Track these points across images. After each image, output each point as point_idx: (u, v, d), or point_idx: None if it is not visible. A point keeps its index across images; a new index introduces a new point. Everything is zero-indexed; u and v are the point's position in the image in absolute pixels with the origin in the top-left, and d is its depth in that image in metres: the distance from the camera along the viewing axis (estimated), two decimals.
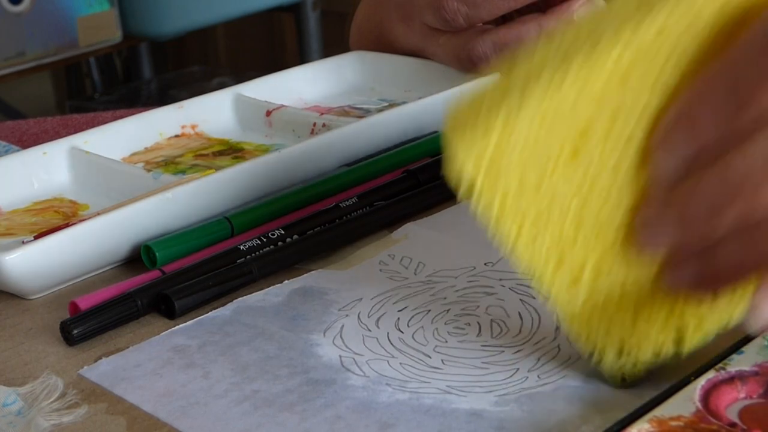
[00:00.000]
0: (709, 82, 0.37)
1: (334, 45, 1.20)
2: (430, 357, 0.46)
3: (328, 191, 0.60)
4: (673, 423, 0.38)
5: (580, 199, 0.39)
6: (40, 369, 0.47)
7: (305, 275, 0.53)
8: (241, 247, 0.54)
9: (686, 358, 0.42)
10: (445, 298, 0.50)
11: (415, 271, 0.53)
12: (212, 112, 0.72)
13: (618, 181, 0.39)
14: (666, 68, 0.38)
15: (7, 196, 0.62)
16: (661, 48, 0.37)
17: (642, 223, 0.39)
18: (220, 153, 0.68)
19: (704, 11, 0.37)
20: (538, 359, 0.45)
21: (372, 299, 0.50)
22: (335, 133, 0.63)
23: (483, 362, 0.45)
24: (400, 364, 0.45)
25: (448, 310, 0.49)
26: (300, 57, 2.37)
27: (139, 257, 0.55)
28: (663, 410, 0.39)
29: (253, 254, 0.54)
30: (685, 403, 0.39)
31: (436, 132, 0.66)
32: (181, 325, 0.49)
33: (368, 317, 0.49)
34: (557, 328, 0.46)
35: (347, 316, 0.49)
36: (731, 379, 0.40)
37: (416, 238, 0.56)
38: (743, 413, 0.39)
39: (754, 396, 0.40)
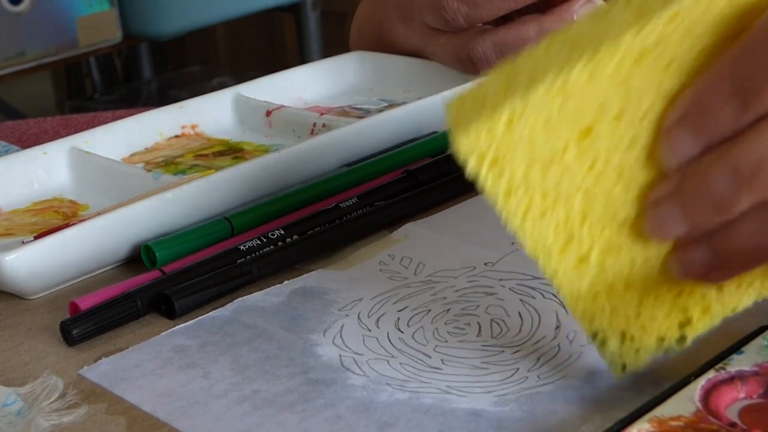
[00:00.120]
0: (725, 66, 0.37)
1: (334, 45, 1.20)
2: (430, 357, 0.46)
3: (328, 191, 0.60)
4: (673, 423, 0.38)
5: (593, 176, 0.39)
6: (40, 369, 0.47)
7: (305, 275, 0.53)
8: (241, 247, 0.54)
9: (686, 358, 0.42)
10: (445, 298, 0.50)
11: (415, 271, 0.53)
12: (212, 112, 0.72)
13: (631, 161, 0.39)
14: (680, 52, 0.38)
15: (7, 196, 0.62)
16: (675, 32, 0.37)
17: (654, 201, 0.39)
18: (220, 153, 0.68)
19: None
20: (538, 359, 0.45)
21: (372, 299, 0.50)
22: (335, 133, 0.63)
23: (483, 362, 0.45)
24: (400, 363, 0.45)
25: (448, 310, 0.49)
26: (300, 57, 2.37)
27: (139, 257, 0.55)
28: (663, 410, 0.39)
29: (253, 254, 0.54)
30: (685, 403, 0.39)
31: (436, 132, 0.66)
32: (181, 325, 0.49)
33: (368, 317, 0.49)
34: (557, 328, 0.46)
35: (347, 316, 0.49)
36: (731, 379, 0.40)
37: (416, 238, 0.56)
38: (743, 413, 0.39)
39: (754, 396, 0.40)
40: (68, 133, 0.67)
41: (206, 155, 0.68)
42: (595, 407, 0.41)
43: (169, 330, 0.49)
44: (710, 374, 0.41)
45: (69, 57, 2.05)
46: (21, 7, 1.94)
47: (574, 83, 0.37)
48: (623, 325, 0.41)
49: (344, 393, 0.43)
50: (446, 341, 0.47)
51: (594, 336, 0.41)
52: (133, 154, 0.68)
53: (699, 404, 0.39)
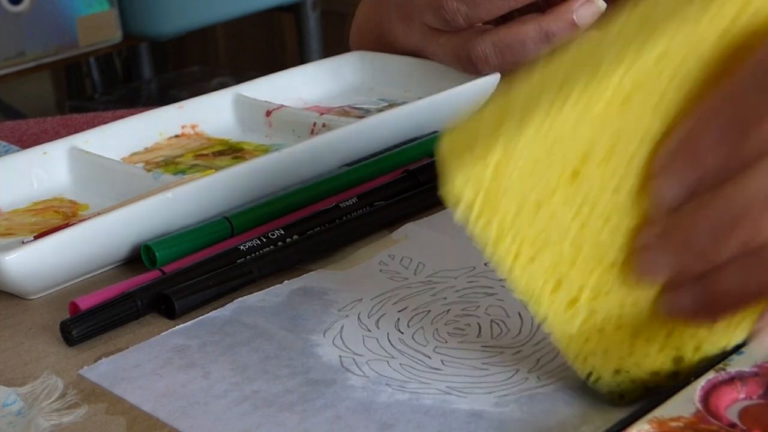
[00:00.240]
0: (712, 109, 0.37)
1: (334, 45, 1.20)
2: (430, 357, 0.46)
3: (328, 191, 0.60)
4: (673, 424, 0.38)
5: (580, 220, 0.39)
6: (40, 369, 0.47)
7: (305, 275, 0.53)
8: (241, 247, 0.54)
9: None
10: (445, 299, 0.50)
11: (415, 271, 0.53)
12: (212, 112, 0.72)
13: (619, 204, 0.39)
14: (668, 92, 0.37)
15: (7, 196, 0.62)
16: (663, 71, 0.37)
17: (641, 246, 0.39)
18: (220, 153, 0.68)
19: (707, 36, 0.37)
20: (538, 360, 0.45)
21: (372, 299, 0.50)
22: (335, 133, 0.63)
23: (483, 363, 0.45)
24: (400, 364, 0.45)
25: (448, 311, 0.49)
26: (300, 57, 2.37)
27: (139, 257, 0.55)
28: (663, 411, 0.39)
29: (253, 254, 0.54)
30: (685, 403, 0.39)
31: (436, 132, 0.66)
32: (181, 325, 0.49)
33: (368, 317, 0.49)
34: None
35: (347, 316, 0.49)
36: (731, 380, 0.40)
37: (416, 238, 0.56)
38: (743, 414, 0.39)
39: (754, 397, 0.40)
40: (68, 133, 0.67)
41: (206, 155, 0.68)
42: (595, 407, 0.41)
43: (169, 330, 0.49)
44: (710, 375, 0.41)
45: (69, 57, 2.05)
46: (21, 7, 1.94)
47: (562, 124, 0.37)
48: (616, 364, 0.41)
49: (344, 393, 0.43)
50: (446, 342, 0.47)
51: (588, 376, 0.41)
52: (133, 154, 0.68)
53: (699, 405, 0.39)
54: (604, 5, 0.68)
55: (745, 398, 0.40)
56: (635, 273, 0.40)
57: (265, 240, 0.54)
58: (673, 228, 0.38)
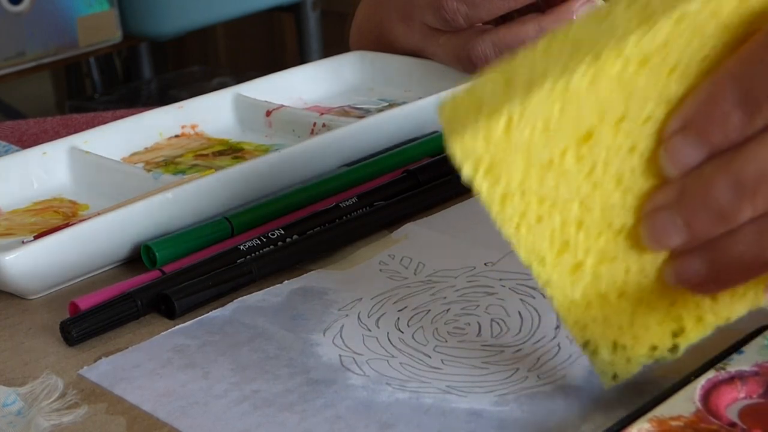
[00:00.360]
0: (733, 72, 0.37)
1: (334, 45, 1.20)
2: (430, 357, 0.46)
3: (328, 191, 0.60)
4: (673, 423, 0.38)
5: (590, 183, 0.38)
6: (40, 369, 0.47)
7: (305, 275, 0.53)
8: (241, 247, 0.54)
9: (686, 358, 0.42)
10: (445, 298, 0.50)
11: (415, 271, 0.53)
12: (212, 112, 0.72)
13: (632, 166, 0.38)
14: (686, 55, 0.37)
15: (7, 196, 0.62)
16: (682, 34, 0.37)
17: (655, 208, 0.39)
18: (220, 153, 0.68)
19: (727, 0, 0.37)
20: (538, 359, 0.45)
21: (372, 299, 0.50)
22: (335, 133, 0.63)
23: (483, 362, 0.45)
24: (400, 363, 0.45)
25: (448, 310, 0.49)
26: (300, 57, 2.37)
27: (139, 257, 0.55)
28: (663, 410, 0.39)
29: (253, 254, 0.54)
30: (685, 402, 0.39)
31: (436, 132, 0.66)
32: (181, 325, 0.49)
33: (368, 317, 0.49)
34: (557, 327, 0.46)
35: (347, 315, 0.49)
36: (731, 379, 0.40)
37: (416, 238, 0.56)
38: (743, 413, 0.39)
39: (754, 396, 0.40)
40: (68, 133, 0.67)
41: (206, 155, 0.68)
42: (595, 407, 0.41)
43: (169, 330, 0.49)
44: (710, 374, 0.41)
45: (69, 57, 2.05)
46: (21, 7, 1.94)
47: (576, 87, 0.36)
48: (615, 335, 0.41)
49: (344, 393, 0.43)
50: (446, 341, 0.47)
51: (585, 345, 0.41)
52: (133, 154, 0.68)
53: (699, 404, 0.39)
54: (604, 5, 0.68)
55: (745, 397, 0.40)
56: (646, 237, 0.39)
57: (264, 240, 0.54)
58: (688, 190, 0.38)
